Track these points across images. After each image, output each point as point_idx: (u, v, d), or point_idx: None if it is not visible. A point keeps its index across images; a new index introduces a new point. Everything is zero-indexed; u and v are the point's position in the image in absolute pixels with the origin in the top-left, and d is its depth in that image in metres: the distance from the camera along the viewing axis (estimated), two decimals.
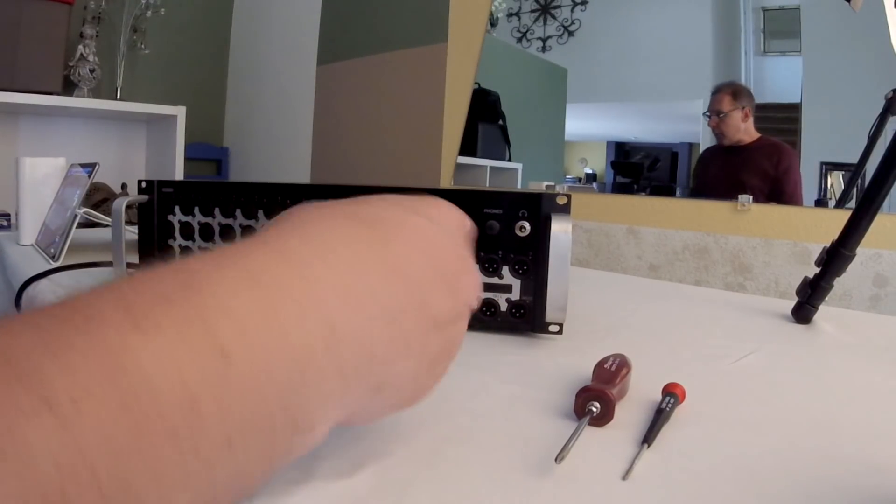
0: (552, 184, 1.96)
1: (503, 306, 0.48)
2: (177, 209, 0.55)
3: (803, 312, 0.59)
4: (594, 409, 0.31)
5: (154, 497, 0.14)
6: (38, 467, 0.12)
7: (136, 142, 2.56)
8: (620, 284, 0.86)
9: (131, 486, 0.13)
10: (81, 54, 2.21)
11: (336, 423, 0.20)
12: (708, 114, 1.64)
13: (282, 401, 0.16)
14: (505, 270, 0.47)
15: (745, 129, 1.59)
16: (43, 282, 0.64)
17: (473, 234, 0.29)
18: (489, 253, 0.48)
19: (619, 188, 1.95)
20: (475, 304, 0.26)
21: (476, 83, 2.09)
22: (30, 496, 0.12)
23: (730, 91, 1.60)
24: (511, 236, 0.47)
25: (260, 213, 0.52)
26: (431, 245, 0.24)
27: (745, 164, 1.59)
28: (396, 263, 0.22)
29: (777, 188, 1.53)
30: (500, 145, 2.14)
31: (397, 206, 0.25)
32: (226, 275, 0.17)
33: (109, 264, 0.58)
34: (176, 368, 0.14)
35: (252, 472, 0.16)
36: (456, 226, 0.27)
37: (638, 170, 1.89)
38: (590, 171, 2.03)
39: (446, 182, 2.12)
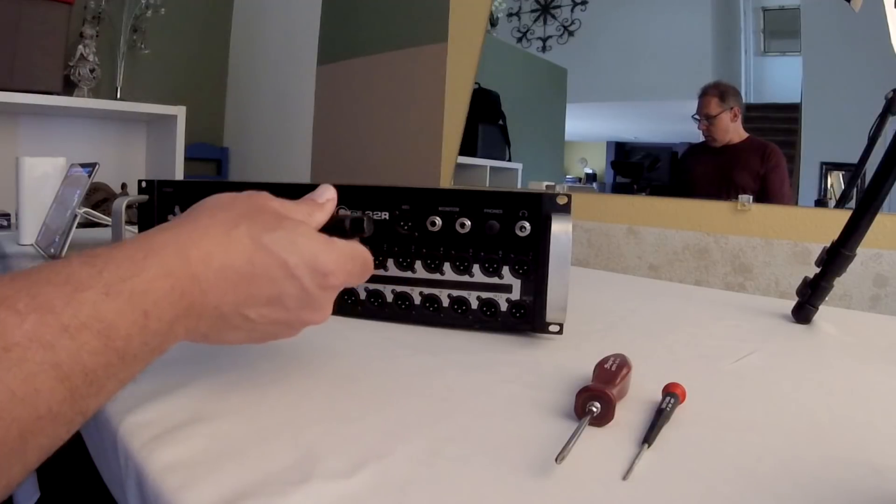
0: (552, 184, 1.96)
1: (503, 306, 0.48)
2: (177, 209, 0.55)
3: (803, 312, 0.59)
4: (594, 409, 0.31)
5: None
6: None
7: (136, 142, 2.55)
8: (620, 284, 0.86)
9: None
10: (81, 54, 2.21)
11: (186, 335, 0.27)
12: (697, 117, 1.64)
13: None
14: (505, 270, 0.47)
15: (734, 129, 1.59)
16: None
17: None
18: (489, 253, 0.48)
19: (619, 188, 1.95)
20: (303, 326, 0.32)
21: (476, 83, 2.09)
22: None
23: (716, 93, 1.60)
24: (511, 236, 0.47)
25: None
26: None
27: (734, 163, 1.59)
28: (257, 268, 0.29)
29: (765, 186, 1.53)
30: (500, 145, 2.14)
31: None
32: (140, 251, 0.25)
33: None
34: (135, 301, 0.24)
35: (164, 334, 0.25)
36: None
37: (638, 170, 1.89)
38: (590, 171, 2.03)
39: (446, 182, 2.12)
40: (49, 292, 0.21)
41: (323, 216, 0.35)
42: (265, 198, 0.32)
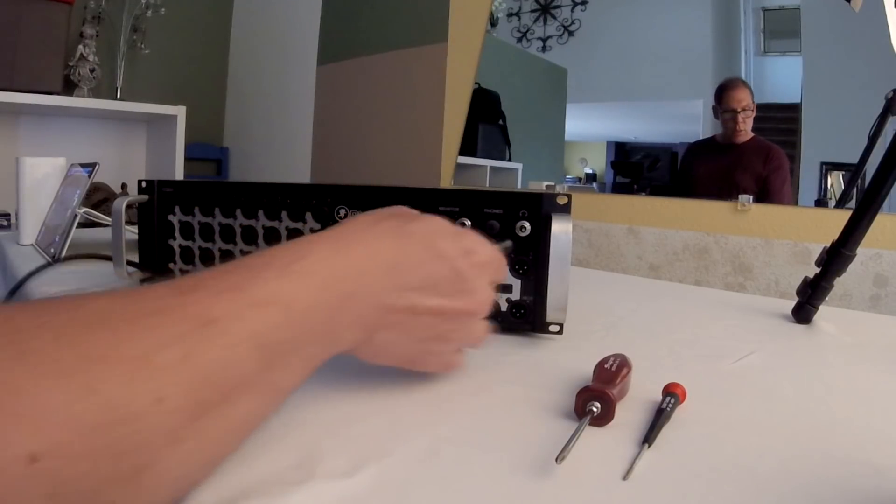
0: (552, 184, 1.96)
1: (503, 306, 0.48)
2: (177, 209, 0.55)
3: (803, 312, 0.59)
4: (595, 409, 0.31)
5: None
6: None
7: (136, 142, 2.55)
8: (620, 284, 0.86)
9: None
10: (81, 54, 2.21)
11: (349, 346, 0.29)
12: (730, 111, 1.60)
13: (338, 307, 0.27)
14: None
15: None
16: (42, 279, 0.63)
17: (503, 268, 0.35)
18: None
19: (619, 188, 1.95)
20: (484, 312, 0.33)
21: (476, 83, 2.09)
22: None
23: (746, 85, 1.58)
24: (511, 236, 0.47)
25: (260, 213, 0.52)
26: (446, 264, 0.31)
27: (737, 162, 1.58)
28: (409, 271, 0.30)
29: (765, 187, 1.53)
30: (500, 145, 2.14)
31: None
32: (310, 249, 0.28)
33: (109, 258, 0.58)
34: (296, 293, 0.25)
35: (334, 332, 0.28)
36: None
37: (638, 170, 1.89)
38: (590, 171, 2.03)
39: (446, 182, 2.12)
40: (233, 277, 0.24)
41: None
42: (402, 207, 0.35)
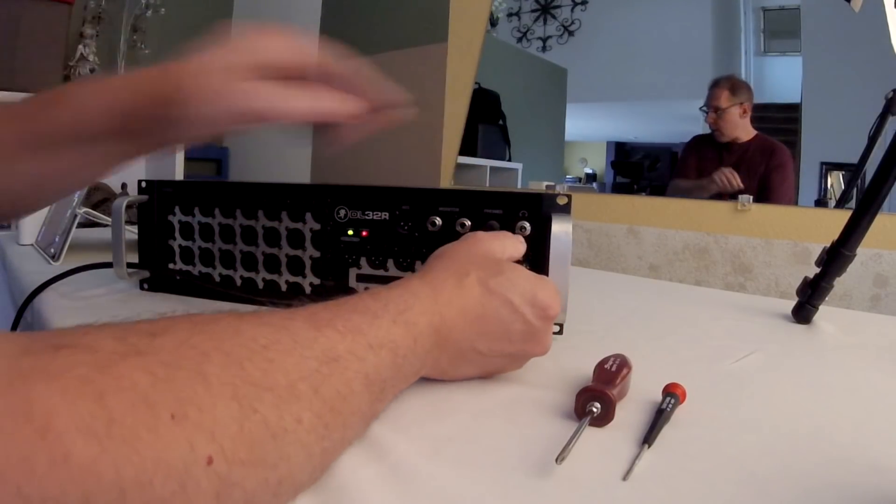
0: (552, 184, 1.96)
1: None
2: (177, 209, 0.55)
3: (803, 312, 0.59)
4: (595, 410, 0.31)
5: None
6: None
7: None
8: (620, 284, 0.86)
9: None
10: (81, 54, 2.21)
11: (426, 375, 0.34)
12: (705, 109, 1.62)
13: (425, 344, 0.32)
14: None
15: (742, 126, 1.58)
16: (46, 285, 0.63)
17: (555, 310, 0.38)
18: None
19: (619, 188, 1.95)
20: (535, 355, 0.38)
21: (476, 83, 2.09)
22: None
23: (728, 86, 1.58)
24: None
25: (260, 214, 0.52)
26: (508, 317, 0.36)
27: (740, 162, 1.58)
28: (486, 318, 0.35)
29: (765, 184, 1.53)
30: (500, 145, 2.14)
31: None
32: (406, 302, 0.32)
33: (109, 265, 0.58)
34: (404, 334, 0.30)
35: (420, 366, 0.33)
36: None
37: (638, 170, 1.89)
38: (590, 171, 2.03)
39: (446, 182, 2.13)
40: (357, 319, 0.28)
41: (523, 247, 0.42)
42: (484, 242, 0.39)
